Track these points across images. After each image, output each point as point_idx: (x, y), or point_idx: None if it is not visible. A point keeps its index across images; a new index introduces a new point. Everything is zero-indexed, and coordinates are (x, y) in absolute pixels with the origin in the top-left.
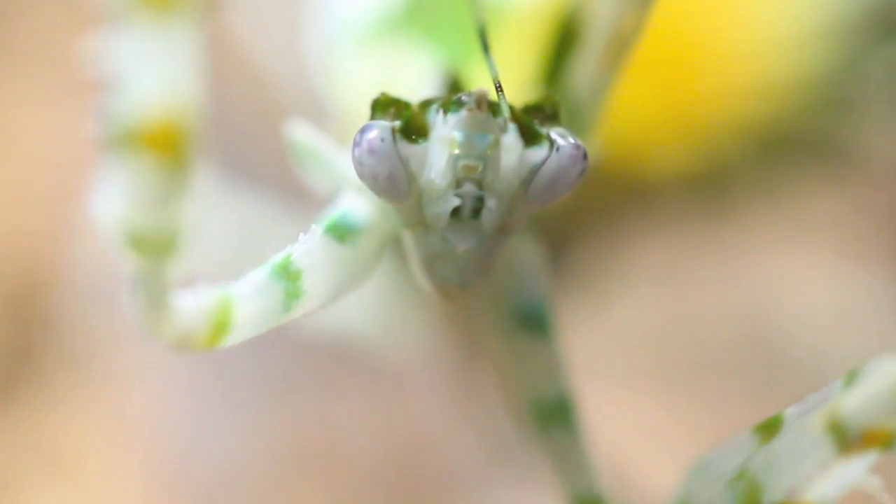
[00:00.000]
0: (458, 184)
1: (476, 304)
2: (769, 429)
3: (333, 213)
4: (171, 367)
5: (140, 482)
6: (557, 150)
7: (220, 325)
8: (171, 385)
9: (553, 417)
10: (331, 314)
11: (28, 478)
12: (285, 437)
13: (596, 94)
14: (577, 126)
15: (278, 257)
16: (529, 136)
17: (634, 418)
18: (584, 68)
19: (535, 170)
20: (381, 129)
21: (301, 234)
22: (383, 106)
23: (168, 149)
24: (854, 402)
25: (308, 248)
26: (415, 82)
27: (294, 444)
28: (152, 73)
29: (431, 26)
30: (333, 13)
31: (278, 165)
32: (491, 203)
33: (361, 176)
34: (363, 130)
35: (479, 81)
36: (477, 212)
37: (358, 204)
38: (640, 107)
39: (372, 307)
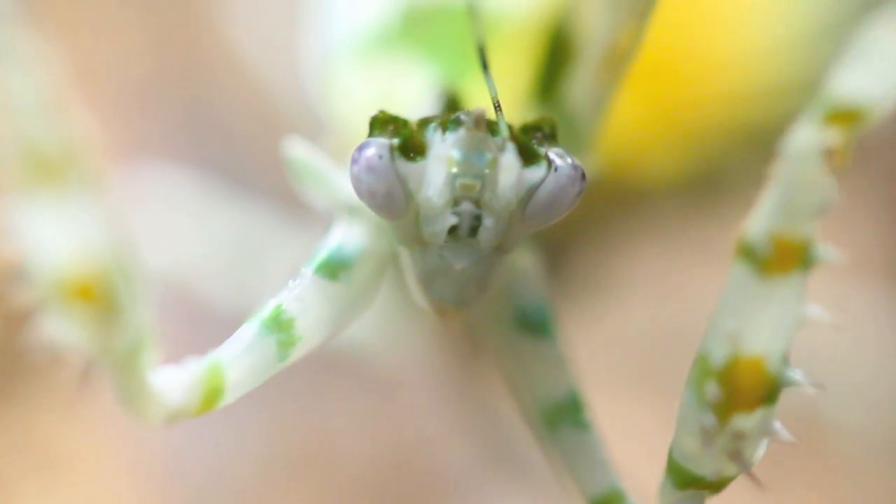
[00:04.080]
0: (455, 202)
1: (476, 312)
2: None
3: (322, 251)
4: None
5: (131, 483)
6: (556, 170)
7: (213, 393)
8: None
9: (563, 417)
10: None
11: (20, 478)
12: (277, 439)
13: (593, 110)
14: (574, 143)
15: (266, 310)
16: (528, 156)
17: (625, 424)
18: (579, 84)
19: (533, 189)
20: (379, 147)
21: (289, 282)
22: (381, 123)
23: (97, 300)
24: (752, 219)
25: (299, 293)
26: (412, 98)
27: (285, 446)
28: (59, 236)
29: (428, 42)
30: (330, 27)
31: (276, 174)
32: (488, 222)
33: (359, 193)
34: (361, 148)
35: (475, 98)
36: (474, 230)
37: (350, 231)
38: (633, 113)
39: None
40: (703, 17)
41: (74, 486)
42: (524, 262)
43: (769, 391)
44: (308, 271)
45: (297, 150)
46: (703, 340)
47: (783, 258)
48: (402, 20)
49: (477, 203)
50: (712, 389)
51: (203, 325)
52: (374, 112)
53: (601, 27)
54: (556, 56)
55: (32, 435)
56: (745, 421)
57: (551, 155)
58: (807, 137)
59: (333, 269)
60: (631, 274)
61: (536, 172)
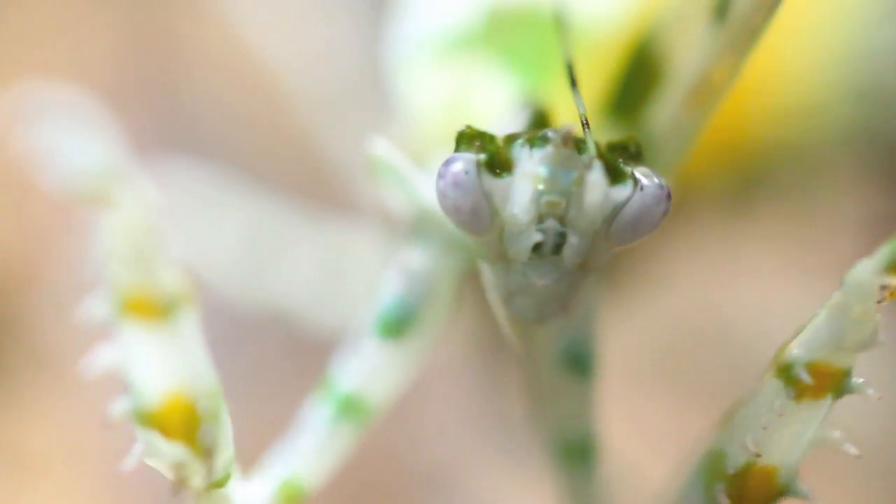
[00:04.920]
0: (540, 219)
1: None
2: (728, 414)
3: (382, 308)
4: None
5: (105, 483)
6: (642, 189)
7: (294, 498)
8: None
9: (577, 455)
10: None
11: None
12: (251, 432)
13: (677, 136)
14: (655, 164)
15: (332, 396)
16: (614, 175)
17: (640, 422)
18: (664, 109)
19: (619, 208)
20: (465, 162)
21: (349, 356)
22: (469, 139)
23: (183, 434)
24: (797, 341)
25: (365, 367)
26: (491, 104)
27: (261, 440)
28: (146, 368)
29: (510, 48)
30: (413, 22)
31: (291, 166)
32: (573, 240)
33: (444, 208)
34: (448, 163)
35: (560, 110)
36: (558, 248)
37: (413, 263)
38: None
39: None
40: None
41: (48, 487)
42: (590, 296)
43: (775, 499)
44: (370, 338)
45: (380, 149)
46: (718, 438)
47: (819, 386)
48: (487, 22)
49: (562, 221)
50: (721, 492)
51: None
52: (461, 126)
53: (695, 58)
54: (641, 77)
55: (6, 435)
56: None
57: (638, 174)
58: (868, 273)
59: (398, 326)
60: (659, 277)
61: (623, 191)
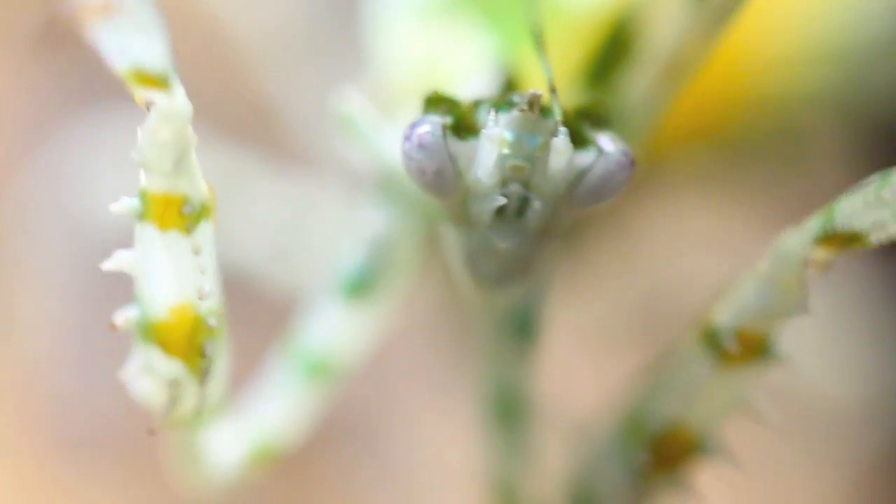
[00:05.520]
0: (504, 183)
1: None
2: (649, 372)
3: (345, 268)
4: (54, 313)
5: (20, 426)
6: (605, 155)
7: (265, 459)
8: (52, 332)
9: (509, 415)
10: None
11: None
12: None
13: (647, 107)
14: (624, 134)
15: (298, 358)
16: (579, 140)
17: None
18: (637, 82)
19: (583, 174)
20: (432, 125)
21: (312, 317)
22: (435, 102)
23: (182, 353)
24: (723, 307)
25: (330, 329)
26: (463, 65)
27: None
28: (161, 277)
29: (492, 13)
30: None
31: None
32: (536, 204)
33: (409, 170)
34: (414, 125)
35: (532, 78)
36: (522, 212)
37: (378, 223)
38: None
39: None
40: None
41: None
42: (547, 262)
43: (692, 457)
44: (334, 299)
45: (349, 103)
46: (638, 398)
47: (745, 353)
48: None
49: (526, 185)
50: (642, 453)
51: None
52: (428, 90)
53: (671, 35)
54: (617, 48)
55: None
56: (663, 479)
57: (601, 140)
58: (796, 244)
59: (362, 286)
60: (630, 249)
61: (586, 157)
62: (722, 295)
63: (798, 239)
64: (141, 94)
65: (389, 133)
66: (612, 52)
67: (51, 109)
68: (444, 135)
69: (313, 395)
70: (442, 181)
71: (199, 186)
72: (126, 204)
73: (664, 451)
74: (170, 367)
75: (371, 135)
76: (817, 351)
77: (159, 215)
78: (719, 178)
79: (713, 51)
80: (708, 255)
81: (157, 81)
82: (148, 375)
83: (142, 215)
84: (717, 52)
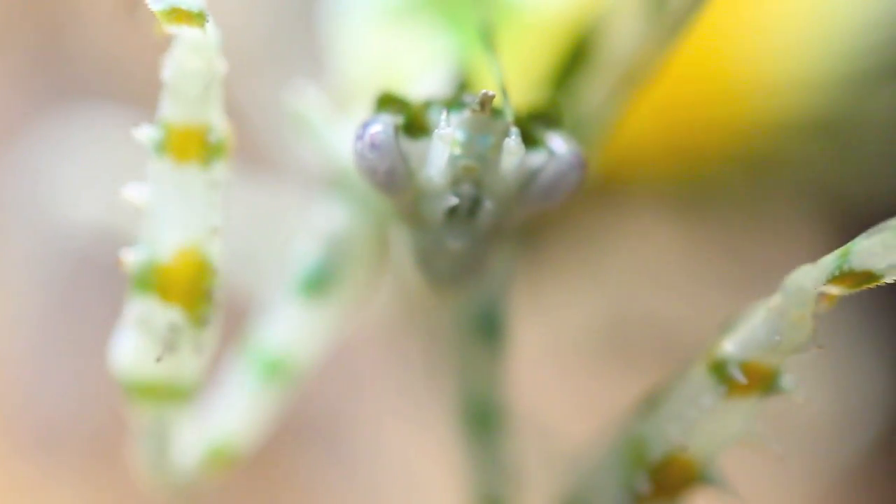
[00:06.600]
0: (456, 183)
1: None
2: (652, 398)
3: (301, 267)
4: (19, 305)
5: None
6: (557, 156)
7: (226, 461)
8: (15, 332)
9: (481, 422)
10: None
11: None
12: None
13: (603, 112)
14: (579, 138)
15: (255, 358)
16: (530, 141)
17: (587, 401)
18: (594, 87)
19: (534, 174)
20: (383, 125)
21: (269, 317)
22: (387, 102)
23: (183, 297)
24: (731, 339)
25: (288, 327)
26: (423, 65)
27: None
28: (173, 214)
29: (449, 14)
30: None
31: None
32: (487, 204)
33: (361, 169)
34: (366, 125)
35: (487, 79)
36: (473, 212)
37: (333, 222)
38: (639, 119)
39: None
40: (721, 45)
41: None
42: (504, 263)
43: (692, 486)
44: (291, 298)
45: (302, 102)
46: (640, 424)
47: (751, 385)
48: None
49: (477, 185)
50: (643, 481)
51: None
52: (380, 90)
53: (627, 45)
54: (577, 53)
55: None
56: None
57: (553, 141)
58: (810, 281)
59: (320, 285)
60: (600, 263)
61: (537, 158)
62: (730, 326)
63: (812, 276)
64: (169, 28)
65: (342, 132)
66: (573, 57)
67: (20, 109)
68: (396, 134)
69: (270, 395)
70: (393, 181)
71: (221, 119)
72: (146, 134)
73: (665, 478)
74: (168, 314)
75: (324, 133)
76: (788, 363)
77: (179, 147)
78: (687, 199)
79: (667, 59)
80: (676, 271)
81: (193, 18)
82: (143, 326)
83: (161, 147)
84: (691, 77)
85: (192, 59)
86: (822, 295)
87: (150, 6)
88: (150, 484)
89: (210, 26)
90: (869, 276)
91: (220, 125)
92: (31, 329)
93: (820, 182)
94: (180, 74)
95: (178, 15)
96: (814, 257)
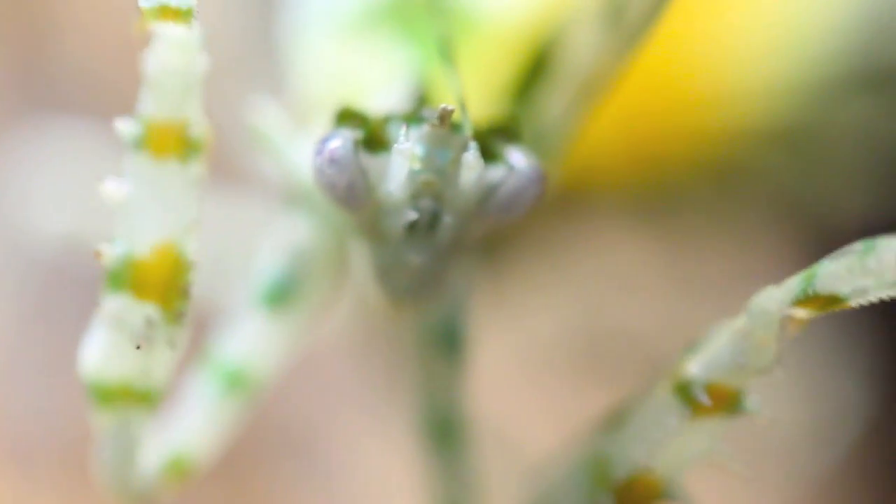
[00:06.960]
0: (415, 198)
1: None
2: (617, 416)
3: (263, 279)
4: None
5: None
6: (516, 170)
7: (185, 472)
8: None
9: (443, 434)
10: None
11: None
12: None
13: (562, 125)
14: (539, 150)
15: (215, 369)
16: (489, 155)
17: (558, 415)
18: (553, 98)
19: (493, 188)
20: (343, 139)
21: (230, 329)
22: (347, 116)
23: (160, 293)
24: (696, 360)
25: (248, 338)
26: (382, 79)
27: None
28: (149, 210)
29: (409, 28)
30: None
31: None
32: (447, 219)
33: (320, 184)
34: (325, 140)
35: (447, 93)
36: (433, 226)
37: (295, 234)
38: (602, 130)
39: None
40: (687, 54)
41: None
42: (463, 277)
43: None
44: (252, 310)
45: (262, 117)
46: (604, 443)
47: (716, 405)
48: (386, 2)
49: (437, 199)
50: (607, 500)
51: None
52: (340, 105)
53: (585, 57)
54: (534, 66)
55: None
56: None
57: (512, 155)
58: (775, 303)
59: (281, 297)
60: (569, 277)
61: (497, 172)
62: (695, 346)
63: (777, 298)
64: (151, 25)
65: (302, 147)
66: (532, 69)
67: None
68: (356, 149)
69: (231, 406)
70: (353, 195)
71: (201, 117)
72: (126, 128)
73: (629, 497)
74: (145, 309)
75: (283, 149)
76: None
77: (158, 142)
78: (653, 209)
79: (626, 70)
80: (643, 281)
81: (181, 16)
82: (116, 325)
83: (139, 142)
84: (656, 86)
85: (174, 56)
86: (789, 318)
87: (137, 2)
88: (112, 494)
89: (194, 25)
90: (834, 299)
91: (199, 122)
92: (1, 342)
93: (787, 190)
94: (162, 70)
95: (166, 12)
96: (782, 266)
